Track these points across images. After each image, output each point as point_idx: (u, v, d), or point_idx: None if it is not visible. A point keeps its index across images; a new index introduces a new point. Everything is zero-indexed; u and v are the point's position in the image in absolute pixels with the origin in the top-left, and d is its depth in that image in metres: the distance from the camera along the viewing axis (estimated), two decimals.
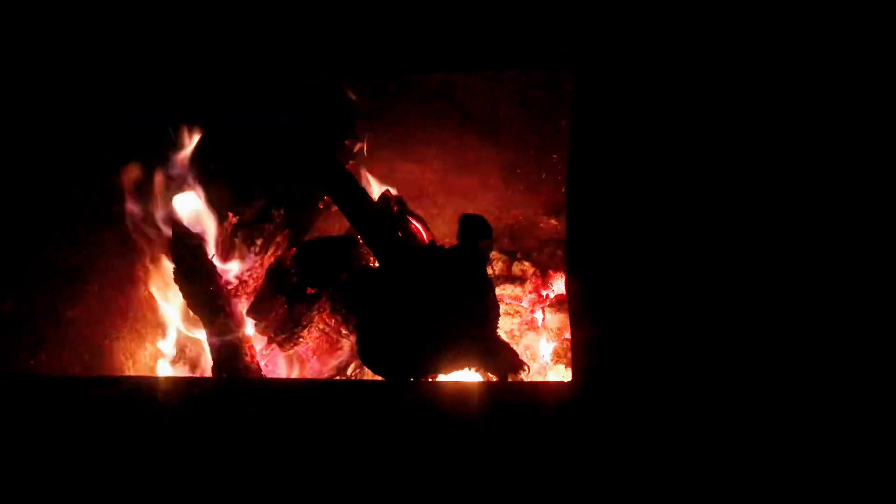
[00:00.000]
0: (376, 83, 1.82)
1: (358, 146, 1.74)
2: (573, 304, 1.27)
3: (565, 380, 1.54)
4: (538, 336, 1.71)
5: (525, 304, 1.80)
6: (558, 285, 1.83)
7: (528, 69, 1.71)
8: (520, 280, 1.86)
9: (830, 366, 1.09)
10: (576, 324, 1.22)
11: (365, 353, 1.26)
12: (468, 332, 1.27)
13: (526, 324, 1.74)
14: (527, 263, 1.89)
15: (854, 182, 1.22)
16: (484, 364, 1.30)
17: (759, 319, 1.16)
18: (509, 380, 1.30)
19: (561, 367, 1.60)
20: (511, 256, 1.93)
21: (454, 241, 1.37)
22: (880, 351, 1.10)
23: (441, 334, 1.25)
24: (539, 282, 1.84)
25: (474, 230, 1.28)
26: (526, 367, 1.29)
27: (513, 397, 1.14)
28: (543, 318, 1.73)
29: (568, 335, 1.66)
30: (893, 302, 1.12)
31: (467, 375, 1.37)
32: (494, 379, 1.33)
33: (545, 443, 1.05)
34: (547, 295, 1.82)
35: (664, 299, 1.21)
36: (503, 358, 1.28)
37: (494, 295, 1.33)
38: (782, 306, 1.18)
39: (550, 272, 1.86)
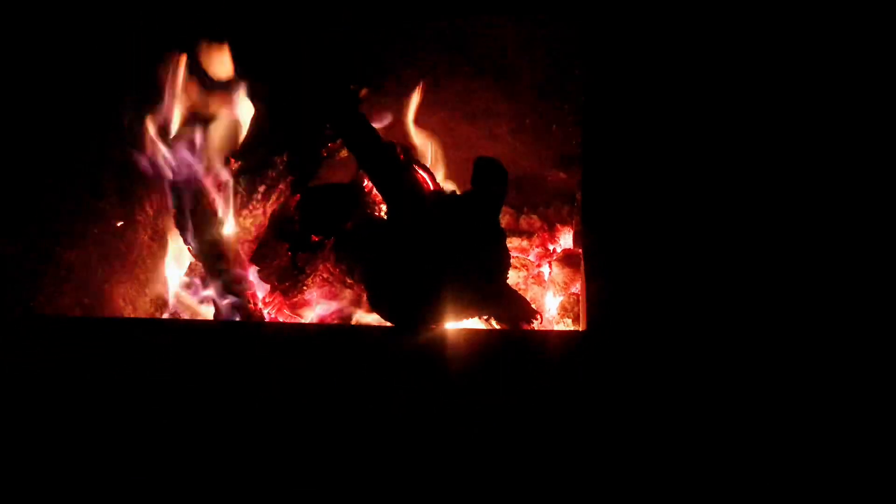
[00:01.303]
0: (382, 30, 1.76)
1: (363, 92, 1.69)
2: (587, 254, 1.25)
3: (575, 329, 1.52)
4: (544, 290, 1.69)
5: (532, 257, 1.78)
6: (566, 239, 1.80)
7: (540, 14, 1.66)
8: (527, 234, 1.83)
9: (835, 337, 1.08)
10: (588, 273, 1.20)
11: (374, 299, 1.23)
12: (479, 279, 1.24)
13: (532, 278, 1.71)
14: (534, 217, 1.86)
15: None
16: (494, 312, 1.28)
17: (773, 279, 1.15)
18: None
19: (568, 320, 1.58)
20: (518, 210, 1.90)
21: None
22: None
23: (452, 281, 1.22)
24: (546, 236, 1.81)
25: (489, 174, 1.24)
26: (538, 316, 1.27)
27: (524, 344, 1.12)
28: (550, 272, 1.71)
29: (575, 289, 1.64)
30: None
31: (476, 325, 1.35)
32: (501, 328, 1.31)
33: (554, 389, 1.03)
34: (554, 249, 1.79)
35: (678, 251, 1.19)
36: (515, 306, 1.26)
37: (505, 243, 1.30)
38: (795, 271, 1.16)
39: (558, 226, 1.83)
